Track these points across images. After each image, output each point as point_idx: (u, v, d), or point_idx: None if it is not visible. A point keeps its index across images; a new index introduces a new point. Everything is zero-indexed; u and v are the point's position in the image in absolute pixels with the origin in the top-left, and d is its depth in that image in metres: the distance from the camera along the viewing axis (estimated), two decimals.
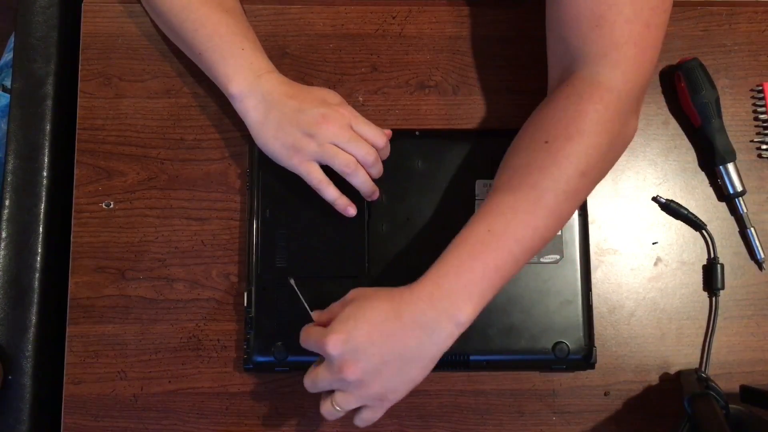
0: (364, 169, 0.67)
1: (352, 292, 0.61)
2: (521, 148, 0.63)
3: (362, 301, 0.59)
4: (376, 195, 0.69)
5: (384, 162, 0.69)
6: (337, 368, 0.57)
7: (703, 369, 0.72)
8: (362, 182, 0.67)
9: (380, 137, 0.68)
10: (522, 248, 0.58)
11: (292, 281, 0.68)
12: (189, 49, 0.70)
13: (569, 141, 0.59)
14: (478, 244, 0.58)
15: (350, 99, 0.75)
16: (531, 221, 0.58)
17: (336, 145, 0.66)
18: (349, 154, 0.66)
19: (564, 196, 0.59)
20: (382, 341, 0.57)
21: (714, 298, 0.73)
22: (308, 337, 0.61)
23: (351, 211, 0.68)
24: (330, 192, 0.67)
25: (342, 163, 0.66)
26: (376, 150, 0.67)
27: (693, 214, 0.74)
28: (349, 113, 0.67)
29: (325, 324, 0.60)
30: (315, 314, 0.64)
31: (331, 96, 0.68)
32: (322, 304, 0.69)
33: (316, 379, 0.60)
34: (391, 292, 0.59)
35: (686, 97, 0.74)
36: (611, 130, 0.60)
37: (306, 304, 0.66)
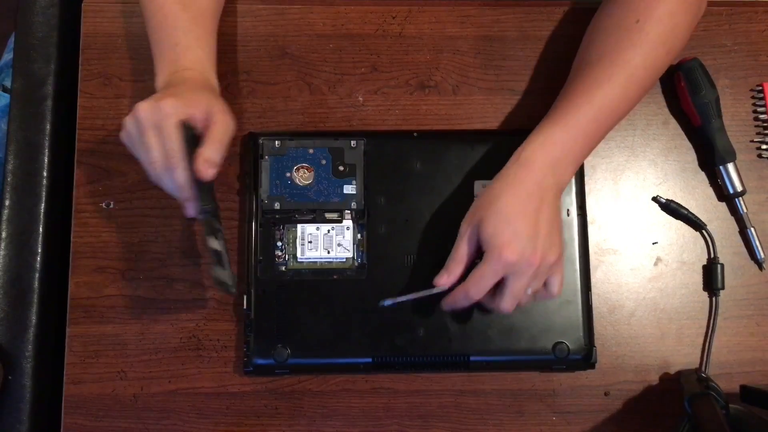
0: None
1: (469, 220, 0.64)
2: (610, 26, 0.68)
3: (494, 208, 0.62)
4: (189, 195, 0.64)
5: (377, 163, 0.69)
6: (497, 256, 0.60)
7: (703, 369, 0.72)
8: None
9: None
10: (615, 120, 0.67)
11: (387, 302, 0.66)
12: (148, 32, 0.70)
13: (659, 22, 0.66)
14: (582, 116, 0.64)
15: (350, 99, 0.75)
16: (626, 94, 0.66)
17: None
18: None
19: (653, 71, 0.67)
20: (527, 219, 0.61)
21: (714, 298, 0.73)
22: (478, 281, 0.61)
23: (189, 211, 0.64)
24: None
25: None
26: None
27: (693, 214, 0.74)
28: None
29: (460, 275, 0.63)
30: (445, 276, 0.64)
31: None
32: (321, 304, 0.69)
33: (481, 280, 0.61)
34: (507, 183, 0.63)
35: (686, 97, 0.74)
36: (693, 8, 0.68)
37: (419, 294, 0.66)
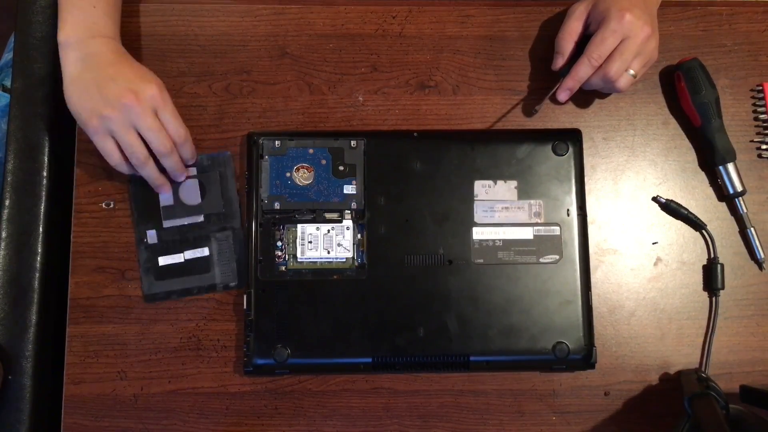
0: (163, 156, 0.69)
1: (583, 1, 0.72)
2: None
3: None
4: (165, 189, 0.71)
5: (377, 163, 0.69)
6: (619, 16, 0.68)
7: (703, 369, 0.72)
8: (148, 175, 0.69)
9: (181, 131, 0.69)
10: None
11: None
12: None
13: None
14: None
15: (350, 99, 0.75)
16: None
17: (135, 128, 0.67)
18: (144, 141, 0.68)
19: None
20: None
21: (714, 298, 0.73)
22: (599, 44, 0.69)
23: (165, 189, 0.71)
24: (125, 169, 0.69)
25: (131, 152, 0.67)
26: (175, 144, 0.69)
27: (693, 214, 0.74)
28: (160, 98, 0.68)
29: (572, 52, 0.72)
30: (559, 58, 0.72)
31: (154, 79, 0.69)
32: (321, 304, 0.69)
33: (602, 43, 0.69)
34: None
35: (686, 97, 0.74)
36: None
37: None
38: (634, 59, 0.70)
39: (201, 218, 0.71)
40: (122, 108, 0.66)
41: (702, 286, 0.74)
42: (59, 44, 0.68)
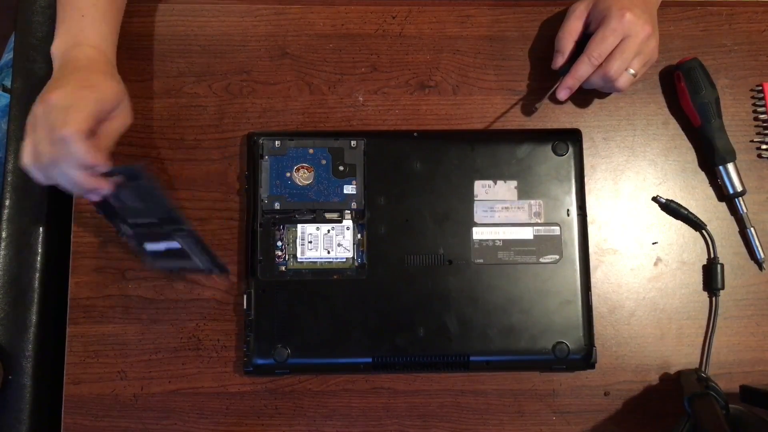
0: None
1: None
2: None
3: None
4: (96, 194, 0.64)
5: (377, 163, 0.70)
6: (619, 15, 0.68)
7: (703, 369, 0.72)
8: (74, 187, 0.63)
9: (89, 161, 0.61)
10: None
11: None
12: None
13: None
14: None
15: (350, 99, 0.75)
16: None
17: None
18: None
19: None
20: None
21: (714, 298, 0.73)
22: (599, 43, 0.69)
23: (93, 197, 0.64)
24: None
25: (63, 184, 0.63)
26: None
27: (693, 214, 0.74)
28: (72, 134, 0.60)
29: (572, 51, 0.72)
30: (559, 56, 0.72)
31: (87, 106, 0.61)
32: (321, 304, 0.69)
33: (602, 41, 0.69)
34: None
35: (686, 97, 0.74)
36: None
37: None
38: (635, 58, 0.70)
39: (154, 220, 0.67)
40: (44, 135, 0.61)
41: (702, 286, 0.74)
42: (52, 56, 0.67)
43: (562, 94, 0.72)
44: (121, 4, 0.72)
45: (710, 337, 0.73)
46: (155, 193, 0.64)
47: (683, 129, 0.76)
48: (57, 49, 0.67)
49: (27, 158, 0.62)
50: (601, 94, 0.76)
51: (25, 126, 0.63)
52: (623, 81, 0.70)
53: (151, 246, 0.69)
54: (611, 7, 0.69)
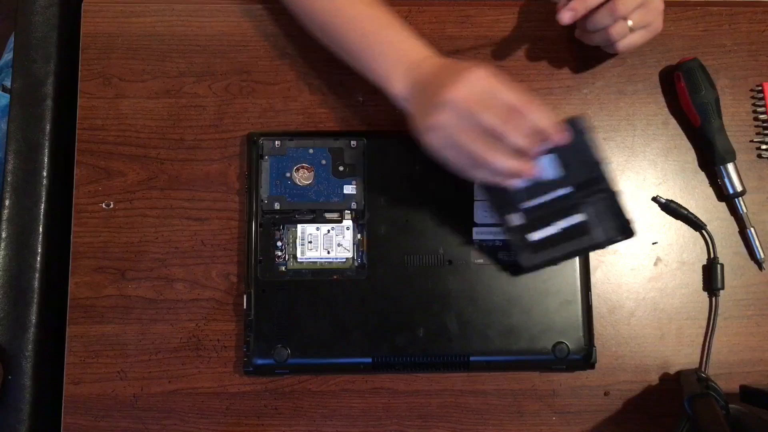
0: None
1: None
2: None
3: None
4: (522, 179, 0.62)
5: (377, 163, 0.69)
6: None
7: (703, 369, 0.72)
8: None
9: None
10: None
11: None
12: (342, 53, 0.69)
13: None
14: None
15: (350, 99, 0.75)
16: None
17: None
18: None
19: None
20: None
21: (714, 298, 0.73)
22: None
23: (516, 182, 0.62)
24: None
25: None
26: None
27: (693, 214, 0.74)
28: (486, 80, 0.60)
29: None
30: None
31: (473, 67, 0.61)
32: (321, 304, 0.69)
33: None
34: None
35: (686, 97, 0.74)
36: None
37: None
38: (637, 9, 0.67)
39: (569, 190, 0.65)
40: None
41: (702, 286, 0.74)
42: (395, 98, 0.65)
43: (566, 16, 0.66)
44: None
45: (710, 337, 0.73)
46: (587, 149, 0.62)
47: (683, 129, 0.76)
48: (398, 89, 0.64)
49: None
50: (602, 94, 0.76)
51: (432, 141, 0.61)
52: (619, 29, 0.67)
53: (539, 234, 0.66)
54: None
